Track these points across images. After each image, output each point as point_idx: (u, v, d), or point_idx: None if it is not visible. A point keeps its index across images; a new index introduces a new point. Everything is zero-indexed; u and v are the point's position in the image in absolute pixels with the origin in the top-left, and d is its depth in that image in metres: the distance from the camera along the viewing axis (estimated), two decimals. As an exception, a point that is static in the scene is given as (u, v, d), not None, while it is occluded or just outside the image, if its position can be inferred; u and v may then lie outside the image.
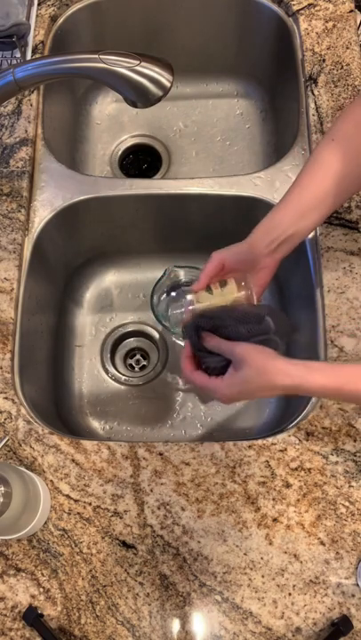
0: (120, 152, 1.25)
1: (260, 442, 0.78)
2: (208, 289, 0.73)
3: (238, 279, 0.73)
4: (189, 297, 0.73)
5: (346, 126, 0.72)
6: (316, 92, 1.00)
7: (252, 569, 0.72)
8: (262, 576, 0.71)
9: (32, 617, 0.68)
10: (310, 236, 0.91)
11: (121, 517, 0.74)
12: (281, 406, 1.02)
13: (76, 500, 0.75)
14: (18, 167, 0.96)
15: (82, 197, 0.97)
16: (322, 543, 0.72)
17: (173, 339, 1.07)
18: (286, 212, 0.73)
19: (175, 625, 0.70)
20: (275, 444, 0.77)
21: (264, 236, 0.73)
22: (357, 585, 0.71)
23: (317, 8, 1.07)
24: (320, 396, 0.71)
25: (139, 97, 0.69)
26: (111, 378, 1.08)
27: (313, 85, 1.00)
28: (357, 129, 0.70)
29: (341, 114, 0.74)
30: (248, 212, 0.97)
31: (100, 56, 0.66)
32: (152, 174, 1.23)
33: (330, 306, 0.85)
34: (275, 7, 1.10)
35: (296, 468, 0.76)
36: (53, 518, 0.74)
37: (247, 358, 0.65)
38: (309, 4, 1.07)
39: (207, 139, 1.25)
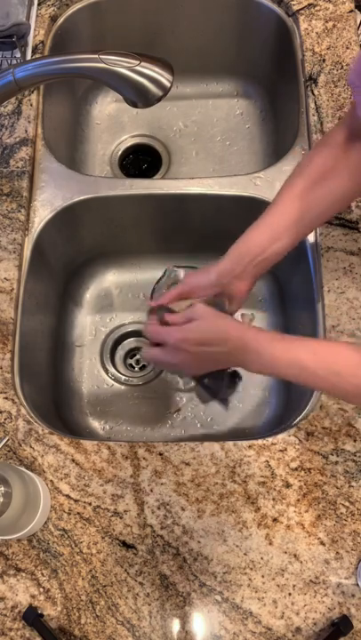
0: (120, 152, 1.25)
1: (260, 442, 0.78)
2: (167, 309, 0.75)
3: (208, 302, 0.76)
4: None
5: (319, 155, 0.72)
6: (316, 92, 1.00)
7: (252, 569, 0.72)
8: (262, 576, 0.71)
9: (32, 617, 0.68)
10: (310, 236, 0.91)
11: (121, 517, 0.74)
12: (281, 406, 1.02)
13: (76, 500, 0.75)
14: (18, 167, 0.96)
15: (82, 197, 0.97)
16: (322, 543, 0.72)
17: None
18: (260, 234, 0.73)
19: (175, 625, 0.70)
20: (275, 444, 0.77)
21: (237, 262, 0.73)
22: (357, 585, 0.71)
23: (317, 8, 1.07)
24: (269, 364, 0.65)
25: (139, 97, 0.69)
26: (111, 378, 1.08)
27: (313, 85, 1.00)
28: (331, 158, 0.71)
29: (320, 142, 0.75)
30: (248, 212, 0.96)
31: (100, 56, 0.66)
32: (152, 174, 1.23)
33: (330, 306, 0.85)
34: (275, 7, 1.10)
35: (296, 468, 0.76)
36: (53, 518, 0.74)
37: (203, 310, 0.68)
38: (309, 4, 1.07)
39: (207, 139, 1.25)
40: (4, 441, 0.76)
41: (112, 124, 1.27)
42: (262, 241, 0.73)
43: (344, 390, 0.64)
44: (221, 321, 0.69)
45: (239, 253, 0.73)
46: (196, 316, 0.68)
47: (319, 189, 0.72)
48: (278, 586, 0.71)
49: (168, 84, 0.68)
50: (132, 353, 1.11)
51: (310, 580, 0.71)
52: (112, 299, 1.14)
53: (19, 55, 1.04)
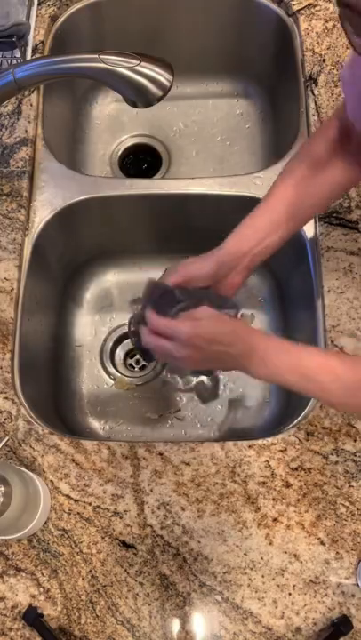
0: (120, 152, 1.25)
1: (260, 442, 0.78)
2: None
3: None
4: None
5: (315, 145, 0.73)
6: (316, 92, 1.00)
7: (252, 569, 0.72)
8: (262, 576, 0.71)
9: (32, 617, 0.68)
10: (310, 236, 0.91)
11: (121, 517, 0.74)
12: (281, 406, 1.02)
13: (76, 500, 0.75)
14: (18, 167, 0.96)
15: (82, 197, 0.97)
16: (322, 543, 0.72)
17: None
18: (259, 223, 0.73)
19: (175, 625, 0.70)
20: (275, 444, 0.77)
21: (235, 253, 0.72)
22: (357, 585, 0.71)
23: (317, 8, 1.07)
24: (273, 373, 0.66)
25: (139, 97, 0.69)
26: (111, 378, 1.08)
27: (313, 85, 1.00)
28: (327, 148, 0.72)
29: (315, 133, 0.75)
30: (248, 212, 0.96)
31: (100, 56, 0.66)
32: (152, 174, 1.23)
33: (330, 306, 0.85)
34: (275, 7, 1.10)
35: (296, 468, 0.76)
36: (53, 518, 0.74)
37: (210, 311, 0.66)
38: (309, 4, 1.07)
39: (207, 139, 1.25)
40: (4, 441, 0.76)
41: (112, 124, 1.27)
42: (260, 231, 0.72)
43: (355, 404, 0.65)
44: (232, 322, 0.68)
45: (236, 244, 0.73)
46: (204, 315, 0.67)
47: (315, 179, 0.72)
48: (278, 586, 0.71)
49: (168, 84, 0.68)
50: (132, 353, 1.11)
51: (310, 580, 0.71)
52: (112, 299, 1.14)
53: (19, 55, 1.04)
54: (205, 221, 1.04)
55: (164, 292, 0.70)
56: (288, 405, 0.98)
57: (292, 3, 1.07)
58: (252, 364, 0.65)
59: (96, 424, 1.04)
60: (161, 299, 0.70)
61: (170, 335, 0.66)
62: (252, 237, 0.72)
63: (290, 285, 1.06)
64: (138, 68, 0.67)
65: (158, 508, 0.75)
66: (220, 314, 0.68)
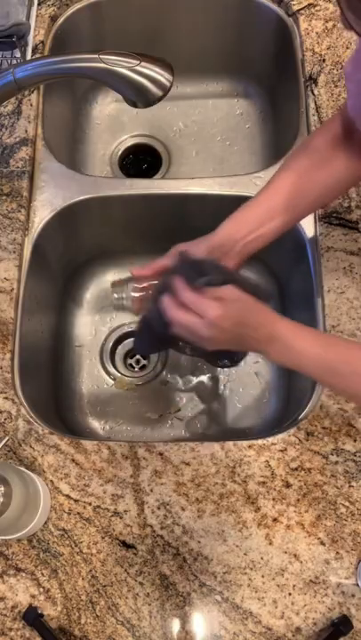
0: (120, 152, 1.25)
1: (260, 442, 0.78)
2: None
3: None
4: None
5: (318, 139, 0.74)
6: (316, 92, 1.00)
7: (252, 569, 0.72)
8: (262, 576, 0.71)
9: (32, 617, 0.68)
10: (310, 236, 0.91)
11: (121, 517, 0.74)
12: (281, 406, 1.02)
13: (76, 500, 0.75)
14: (18, 167, 0.96)
15: (82, 197, 0.97)
16: (322, 543, 0.72)
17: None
18: (254, 211, 0.73)
19: (175, 625, 0.70)
20: (275, 444, 0.77)
21: (227, 238, 0.72)
22: (357, 585, 0.71)
23: (317, 8, 1.07)
24: (295, 359, 0.65)
25: (139, 97, 0.69)
26: (111, 378, 1.08)
27: (313, 85, 1.00)
28: (329, 143, 0.72)
29: (319, 127, 0.75)
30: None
31: (100, 56, 0.66)
32: (152, 174, 1.23)
33: (330, 306, 0.85)
34: (275, 7, 1.10)
35: (296, 468, 0.76)
36: (53, 518, 0.74)
37: (237, 292, 0.65)
38: (309, 4, 1.07)
39: (207, 139, 1.25)
40: (4, 441, 0.76)
41: (112, 124, 1.27)
42: (255, 218, 0.72)
43: None
44: (259, 305, 0.66)
45: (230, 229, 0.72)
46: (233, 296, 0.65)
47: (317, 172, 0.72)
48: (278, 586, 0.71)
49: (168, 84, 0.68)
50: (131, 353, 1.11)
51: (310, 580, 0.71)
52: (112, 299, 1.14)
53: (19, 55, 1.04)
54: (205, 221, 1.03)
55: (193, 262, 0.68)
56: (288, 405, 0.98)
57: (292, 3, 1.07)
58: (274, 349, 0.65)
59: (96, 424, 1.04)
60: (189, 269, 0.67)
61: (198, 312, 0.64)
62: (246, 224, 0.72)
63: (290, 285, 1.06)
64: (138, 68, 0.67)
65: (158, 508, 0.75)
66: (248, 296, 0.66)
